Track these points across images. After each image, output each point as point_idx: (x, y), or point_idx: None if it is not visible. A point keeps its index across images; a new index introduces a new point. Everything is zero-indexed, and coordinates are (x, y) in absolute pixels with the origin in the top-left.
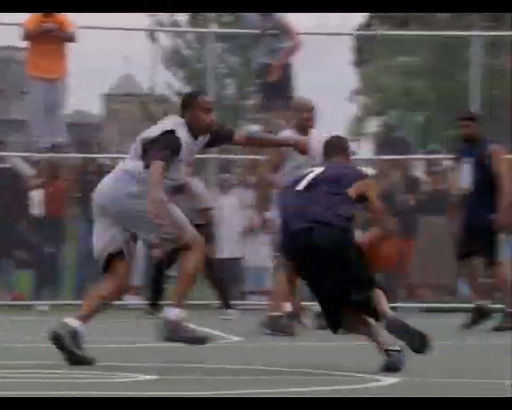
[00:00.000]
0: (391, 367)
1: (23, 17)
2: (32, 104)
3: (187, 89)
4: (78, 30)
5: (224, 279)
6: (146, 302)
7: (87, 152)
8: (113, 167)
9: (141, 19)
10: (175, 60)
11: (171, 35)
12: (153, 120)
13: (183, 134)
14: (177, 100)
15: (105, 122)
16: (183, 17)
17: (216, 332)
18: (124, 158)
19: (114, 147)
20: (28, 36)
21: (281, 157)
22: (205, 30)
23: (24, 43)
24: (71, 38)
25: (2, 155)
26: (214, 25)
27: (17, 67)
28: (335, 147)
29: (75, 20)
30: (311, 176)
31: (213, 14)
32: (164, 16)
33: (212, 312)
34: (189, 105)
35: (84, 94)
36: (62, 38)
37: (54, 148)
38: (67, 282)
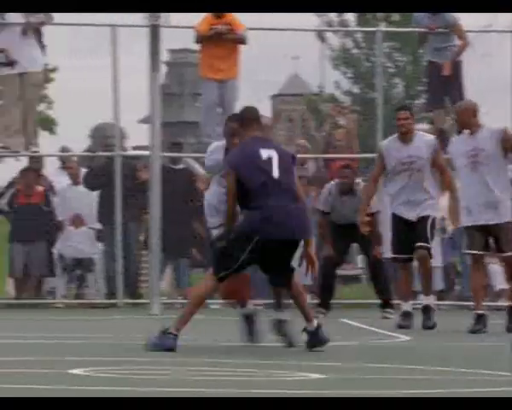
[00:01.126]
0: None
1: (196, 20)
2: (204, 106)
3: (355, 88)
4: (248, 31)
5: (389, 279)
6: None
7: None
8: None
9: (310, 19)
10: (343, 59)
11: (340, 34)
12: (321, 119)
13: None
14: (345, 100)
15: (274, 122)
16: (351, 16)
17: (382, 331)
18: None
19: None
20: (200, 38)
21: None
22: (373, 29)
23: (197, 46)
24: (241, 40)
25: (176, 156)
26: (382, 24)
27: (191, 69)
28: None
29: (244, 21)
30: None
31: (382, 13)
32: (332, 16)
33: (373, 311)
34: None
35: (254, 95)
36: (233, 39)
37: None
38: None
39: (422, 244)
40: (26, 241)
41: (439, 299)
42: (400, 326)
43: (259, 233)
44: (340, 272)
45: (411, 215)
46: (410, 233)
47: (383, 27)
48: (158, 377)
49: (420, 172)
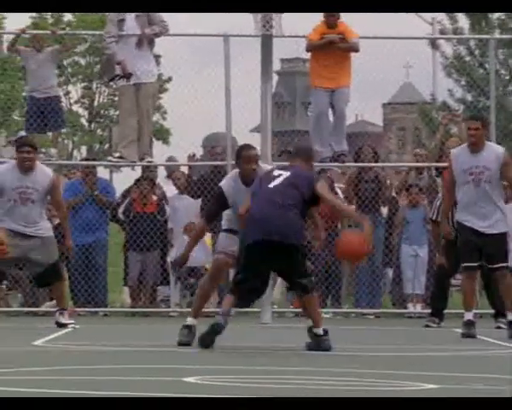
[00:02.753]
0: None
1: (308, 29)
2: (315, 114)
3: (468, 96)
4: (360, 39)
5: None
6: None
7: (363, 159)
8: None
9: (422, 27)
10: (457, 67)
11: (453, 42)
12: (433, 128)
13: (232, 185)
14: (458, 108)
15: (385, 131)
16: (465, 24)
17: (496, 341)
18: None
19: (394, 156)
20: (312, 47)
21: None
22: (487, 36)
23: (308, 55)
24: (354, 48)
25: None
26: (497, 31)
27: (303, 78)
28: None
29: (357, 29)
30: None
31: (496, 20)
32: (446, 23)
33: (487, 320)
34: (237, 157)
35: (365, 104)
36: (345, 48)
37: (337, 157)
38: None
39: (503, 264)
40: (141, 250)
41: None
42: (465, 335)
43: (245, 237)
44: (453, 281)
45: (482, 226)
46: (480, 243)
47: (497, 35)
48: (271, 385)
49: (488, 184)
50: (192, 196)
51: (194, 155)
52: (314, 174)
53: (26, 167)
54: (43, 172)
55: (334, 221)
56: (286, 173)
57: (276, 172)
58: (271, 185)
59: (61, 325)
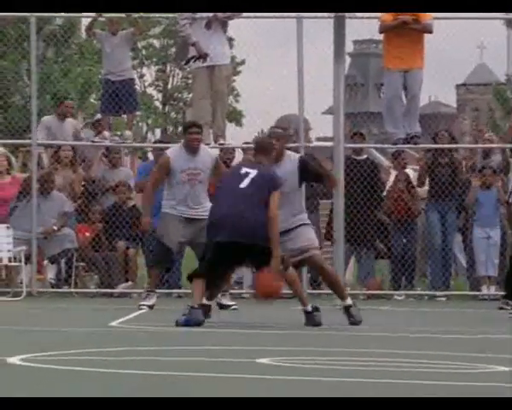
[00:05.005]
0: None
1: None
2: (388, 96)
3: None
4: (434, 20)
5: None
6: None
7: (439, 143)
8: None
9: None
10: None
11: None
12: (508, 108)
13: None
14: None
15: (459, 112)
16: None
17: None
18: None
19: (468, 137)
20: (385, 28)
21: None
22: None
23: (381, 36)
24: (427, 29)
25: (360, 147)
26: None
27: (376, 60)
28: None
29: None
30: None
31: None
32: None
33: None
34: None
35: (439, 85)
36: (419, 29)
37: (410, 139)
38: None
39: None
40: None
41: None
42: None
43: (215, 233)
44: None
45: None
46: None
47: None
48: (341, 367)
49: None
50: None
51: (262, 132)
52: (276, 177)
53: (194, 148)
54: (207, 153)
55: (410, 209)
56: (253, 172)
57: (243, 170)
58: (242, 186)
59: (224, 307)
